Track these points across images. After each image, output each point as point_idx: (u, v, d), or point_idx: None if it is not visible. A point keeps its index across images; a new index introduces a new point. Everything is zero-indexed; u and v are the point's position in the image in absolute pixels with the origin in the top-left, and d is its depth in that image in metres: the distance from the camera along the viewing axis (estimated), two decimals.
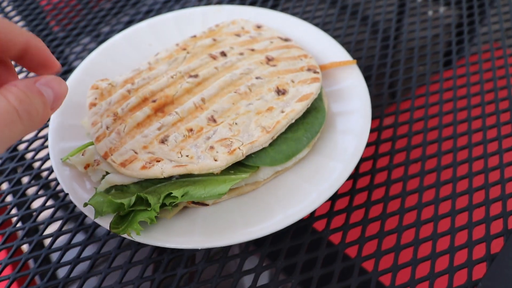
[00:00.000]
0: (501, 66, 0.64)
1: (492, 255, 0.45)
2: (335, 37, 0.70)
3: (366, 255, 0.46)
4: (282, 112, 0.47)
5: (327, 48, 0.57)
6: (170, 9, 0.78)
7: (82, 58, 0.70)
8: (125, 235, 0.42)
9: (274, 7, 0.77)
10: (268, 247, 0.46)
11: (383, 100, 0.61)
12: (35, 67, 0.38)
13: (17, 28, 0.35)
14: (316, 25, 0.71)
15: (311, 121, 0.49)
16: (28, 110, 0.33)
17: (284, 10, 0.77)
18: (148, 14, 0.77)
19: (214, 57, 0.53)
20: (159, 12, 0.77)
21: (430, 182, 0.51)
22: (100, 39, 0.74)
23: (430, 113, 0.58)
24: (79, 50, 0.72)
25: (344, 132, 0.49)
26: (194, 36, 0.58)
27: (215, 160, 0.43)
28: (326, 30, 0.71)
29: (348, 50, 0.67)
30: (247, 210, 0.45)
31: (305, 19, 0.73)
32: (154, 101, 0.49)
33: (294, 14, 0.75)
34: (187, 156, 0.44)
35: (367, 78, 0.63)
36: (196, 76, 0.51)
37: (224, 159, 0.43)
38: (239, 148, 0.44)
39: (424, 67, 0.65)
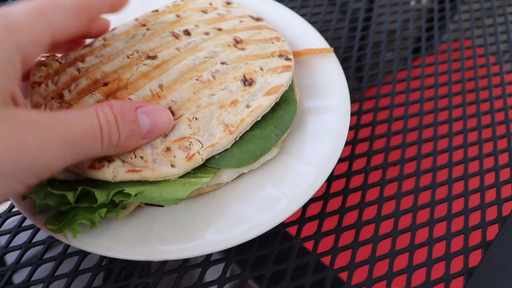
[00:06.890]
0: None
1: (470, 268, 0.43)
2: (312, 23, 0.64)
3: (339, 267, 0.42)
4: (248, 107, 0.41)
5: (302, 33, 0.51)
6: None
7: None
8: (61, 238, 0.36)
9: None
10: (233, 257, 0.42)
11: (360, 96, 0.57)
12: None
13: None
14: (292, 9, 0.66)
15: (280, 115, 0.43)
16: (110, 133, 0.33)
17: None
18: None
19: (176, 36, 0.47)
20: None
21: (408, 188, 0.48)
22: None
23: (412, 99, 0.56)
24: None
25: (319, 132, 0.44)
26: (156, 11, 0.50)
27: (172, 166, 0.38)
28: (302, 15, 0.66)
29: (326, 38, 0.62)
30: (209, 215, 0.40)
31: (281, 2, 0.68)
32: (105, 84, 0.42)
33: None
34: (141, 157, 0.38)
35: (345, 70, 0.58)
36: (154, 57, 0.44)
37: (182, 166, 0.38)
38: (198, 152, 0.38)
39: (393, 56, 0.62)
